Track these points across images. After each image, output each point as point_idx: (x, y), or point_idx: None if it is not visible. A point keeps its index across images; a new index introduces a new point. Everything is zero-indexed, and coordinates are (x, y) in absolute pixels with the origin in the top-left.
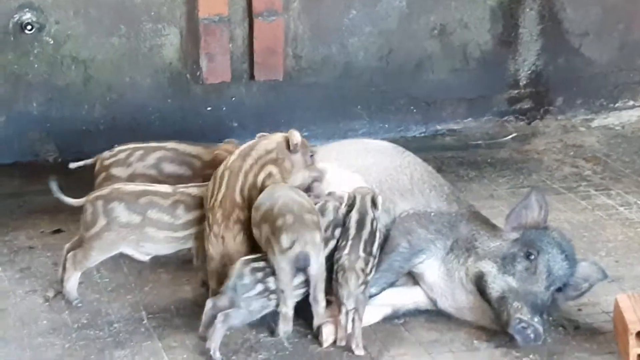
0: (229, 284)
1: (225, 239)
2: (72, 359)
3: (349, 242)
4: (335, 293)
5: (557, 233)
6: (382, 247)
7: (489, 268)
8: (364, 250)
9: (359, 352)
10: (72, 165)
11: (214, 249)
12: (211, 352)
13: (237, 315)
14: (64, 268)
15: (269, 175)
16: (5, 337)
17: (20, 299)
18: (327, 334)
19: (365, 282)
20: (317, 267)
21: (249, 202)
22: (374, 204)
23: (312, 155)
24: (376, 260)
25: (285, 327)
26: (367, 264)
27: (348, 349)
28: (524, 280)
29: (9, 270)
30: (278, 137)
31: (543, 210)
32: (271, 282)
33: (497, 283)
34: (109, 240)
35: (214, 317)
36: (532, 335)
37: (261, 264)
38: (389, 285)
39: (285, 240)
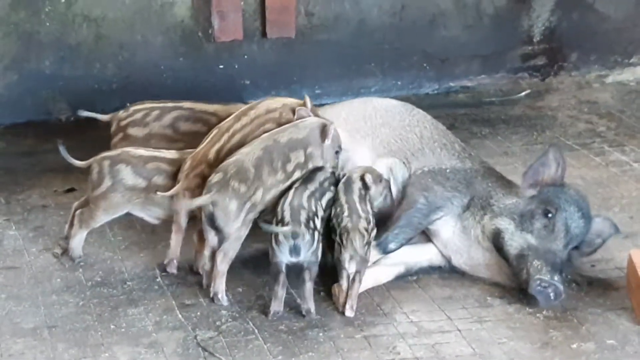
0: (284, 249)
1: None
2: (85, 317)
3: (345, 206)
4: (336, 257)
5: (573, 191)
6: (398, 205)
7: (506, 225)
8: (362, 210)
9: (350, 313)
10: (82, 112)
11: (176, 201)
12: (312, 311)
13: (315, 268)
14: (71, 225)
15: None
16: (20, 295)
17: (34, 257)
18: (349, 306)
19: (369, 243)
20: (228, 232)
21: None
22: (364, 183)
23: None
24: (374, 219)
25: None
26: (368, 223)
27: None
28: (542, 238)
29: (23, 229)
30: (288, 100)
31: (560, 167)
32: (318, 223)
33: (516, 240)
34: (114, 202)
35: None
36: (552, 295)
37: (303, 214)
38: (407, 241)
39: (204, 195)
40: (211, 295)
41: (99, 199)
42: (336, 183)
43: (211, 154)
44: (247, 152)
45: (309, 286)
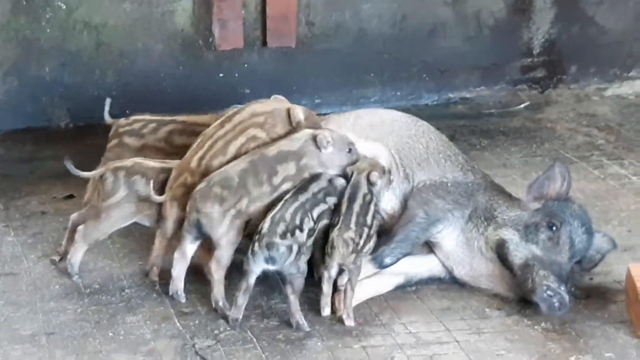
0: (259, 259)
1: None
2: (84, 324)
3: (341, 217)
4: (324, 263)
5: (577, 206)
6: (399, 218)
7: (510, 235)
8: (356, 222)
9: (349, 322)
10: (107, 102)
11: (164, 209)
12: (301, 324)
13: (299, 281)
14: (69, 239)
15: (253, 138)
16: (18, 301)
17: (33, 263)
18: (324, 304)
19: (356, 252)
20: (215, 238)
21: (206, 170)
22: (370, 182)
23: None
24: (372, 230)
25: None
26: (359, 235)
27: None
28: (547, 250)
29: (22, 235)
30: (280, 105)
31: (566, 182)
32: (299, 236)
33: (520, 250)
34: (127, 212)
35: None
36: (557, 304)
37: (282, 226)
38: (404, 255)
39: (188, 205)
40: (213, 304)
41: (112, 209)
42: (336, 191)
43: (193, 162)
44: (233, 165)
45: (292, 300)
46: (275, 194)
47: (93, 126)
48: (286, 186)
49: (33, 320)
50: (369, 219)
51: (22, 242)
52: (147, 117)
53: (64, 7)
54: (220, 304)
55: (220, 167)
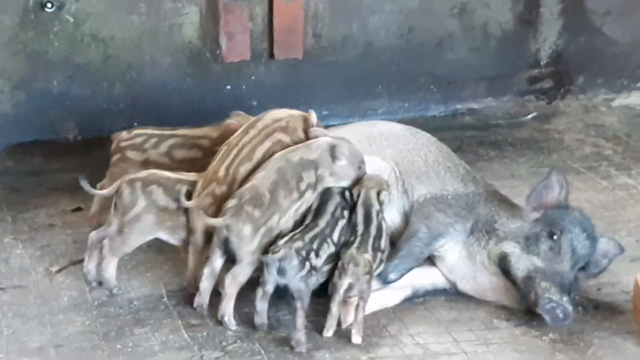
0: (272, 270)
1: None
2: (92, 336)
3: (358, 238)
4: (333, 282)
5: (577, 212)
6: (400, 235)
7: (511, 248)
8: (372, 245)
9: (356, 339)
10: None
11: (192, 219)
12: (302, 342)
13: (306, 294)
14: (91, 256)
15: (278, 142)
16: (27, 314)
17: (41, 276)
18: (329, 326)
19: (370, 273)
20: (241, 256)
21: (233, 178)
22: (379, 200)
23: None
24: (385, 254)
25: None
26: (374, 259)
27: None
28: (549, 260)
29: (30, 248)
30: (293, 111)
31: (564, 190)
32: (313, 259)
33: (522, 263)
34: (149, 223)
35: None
36: (561, 315)
37: (299, 243)
38: (408, 270)
39: (219, 218)
40: (219, 317)
41: (133, 222)
42: (351, 204)
43: (221, 171)
44: (262, 177)
45: (301, 314)
46: (300, 201)
47: (101, 139)
48: (309, 194)
49: (41, 333)
50: (382, 243)
51: (30, 254)
52: (149, 130)
53: (72, 20)
54: (226, 319)
55: (246, 173)
